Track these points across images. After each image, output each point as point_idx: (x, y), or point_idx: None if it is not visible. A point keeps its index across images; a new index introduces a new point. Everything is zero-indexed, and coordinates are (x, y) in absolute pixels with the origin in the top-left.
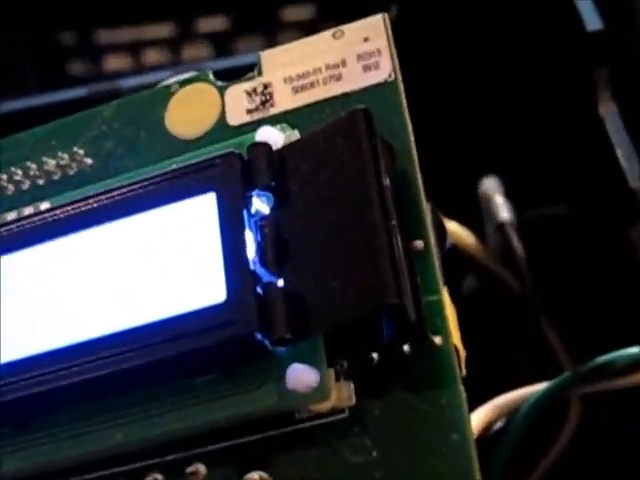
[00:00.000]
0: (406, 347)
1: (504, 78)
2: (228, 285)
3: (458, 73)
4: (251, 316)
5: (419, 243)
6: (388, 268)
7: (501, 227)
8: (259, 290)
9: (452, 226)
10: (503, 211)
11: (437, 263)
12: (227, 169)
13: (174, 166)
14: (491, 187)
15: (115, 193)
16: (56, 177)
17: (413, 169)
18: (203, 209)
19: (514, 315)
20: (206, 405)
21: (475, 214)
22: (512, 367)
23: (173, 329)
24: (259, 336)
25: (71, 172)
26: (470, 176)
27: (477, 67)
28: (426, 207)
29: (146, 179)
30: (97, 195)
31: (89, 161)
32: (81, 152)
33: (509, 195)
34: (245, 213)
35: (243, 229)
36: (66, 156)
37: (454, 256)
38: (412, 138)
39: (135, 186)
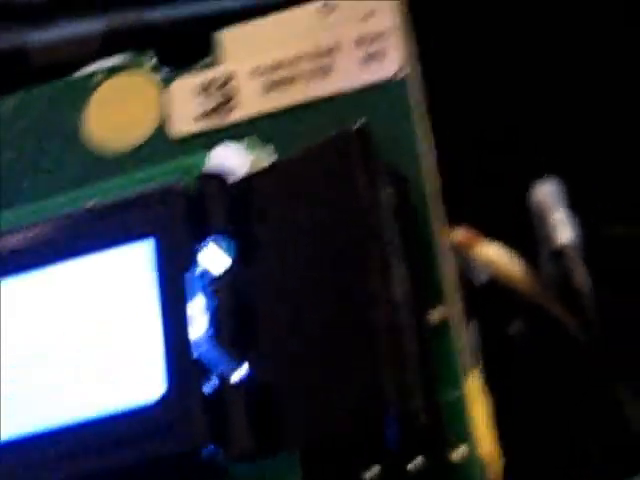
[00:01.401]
0: (417, 460)
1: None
2: (169, 374)
3: (498, 58)
4: (197, 421)
5: (436, 314)
6: (389, 361)
7: (561, 252)
8: (211, 384)
9: (492, 251)
10: (564, 230)
11: (462, 342)
12: (169, 209)
13: (95, 200)
14: (548, 196)
15: (13, 237)
16: None
17: (427, 207)
18: (137, 263)
19: (578, 375)
20: None
21: (525, 233)
22: (576, 454)
23: (91, 436)
24: (209, 449)
25: None
26: (519, 181)
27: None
28: (450, 259)
29: (57, 218)
30: None
31: None
32: None
33: (573, 207)
34: (190, 273)
35: (184, 298)
36: None
37: (495, 292)
38: (431, 161)
39: (42, 227)
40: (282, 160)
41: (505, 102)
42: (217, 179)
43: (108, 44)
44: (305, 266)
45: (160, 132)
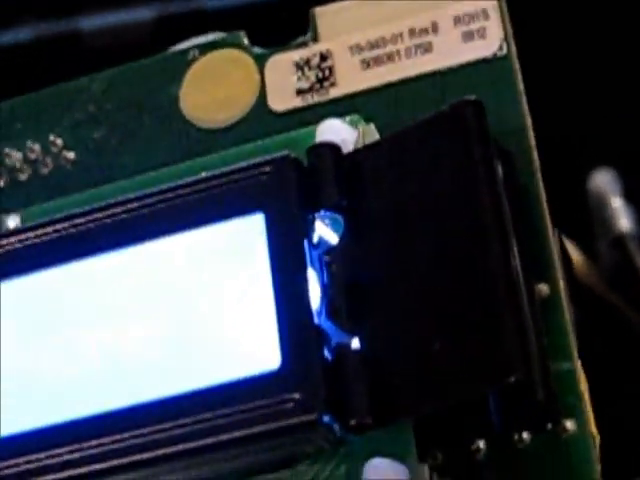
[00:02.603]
0: (525, 435)
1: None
2: (283, 346)
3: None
4: (316, 390)
5: (544, 288)
6: (512, 329)
7: (620, 240)
8: (326, 354)
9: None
10: (622, 218)
11: (568, 316)
12: (279, 180)
13: (204, 174)
14: (606, 184)
15: (116, 210)
16: (23, 177)
17: (535, 183)
18: (246, 236)
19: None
20: None
21: (582, 221)
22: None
23: (205, 405)
24: (327, 419)
25: (45, 170)
26: (577, 168)
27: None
28: (553, 236)
29: (159, 191)
30: (91, 212)
31: (70, 155)
32: (59, 142)
33: (631, 196)
34: (306, 243)
35: (304, 266)
36: (37, 147)
37: None
38: (533, 139)
39: (144, 201)
40: (394, 133)
41: (580, 93)
42: (332, 149)
43: (161, 30)
44: (417, 240)
45: (260, 107)
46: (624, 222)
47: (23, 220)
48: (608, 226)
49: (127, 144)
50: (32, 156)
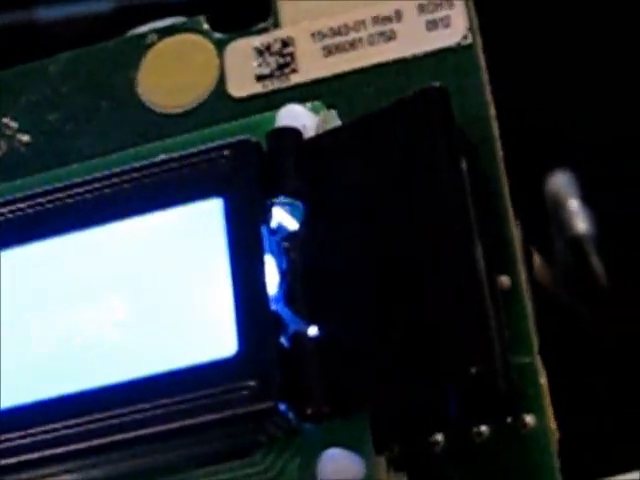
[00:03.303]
0: (484, 428)
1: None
2: (239, 332)
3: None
4: (272, 378)
5: (506, 280)
6: (474, 320)
7: (576, 241)
8: (283, 341)
9: None
10: (579, 219)
11: (530, 309)
12: (239, 165)
13: (162, 156)
14: (563, 186)
15: (72, 192)
16: None
17: (498, 174)
18: (204, 220)
19: (595, 370)
20: None
21: (539, 223)
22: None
23: (158, 391)
24: (282, 407)
25: None
26: (534, 170)
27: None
28: (515, 228)
29: (114, 174)
30: (46, 194)
31: (25, 138)
32: (13, 125)
33: (588, 198)
34: (264, 229)
35: (261, 252)
36: None
37: None
38: (497, 129)
39: (98, 184)
40: (357, 119)
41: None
42: (293, 134)
43: (120, 21)
44: (380, 227)
45: (219, 93)
46: (581, 224)
47: None
48: (565, 227)
49: (83, 128)
50: None
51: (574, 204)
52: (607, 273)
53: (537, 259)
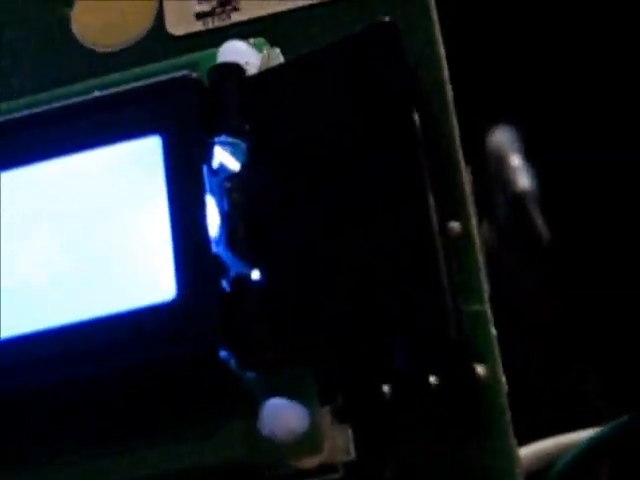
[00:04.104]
0: (432, 378)
1: None
2: (179, 276)
3: None
4: (212, 323)
5: (456, 226)
6: (424, 261)
7: (518, 199)
8: (225, 285)
9: None
10: (521, 176)
11: (481, 257)
12: (180, 101)
13: (97, 93)
14: (506, 142)
15: (4, 129)
16: None
17: (448, 115)
18: (142, 159)
19: (532, 333)
20: (135, 455)
21: (480, 178)
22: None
23: (92, 336)
24: (223, 354)
25: None
26: (475, 124)
27: None
28: (465, 173)
29: (49, 111)
30: None
31: None
32: None
33: (530, 154)
34: (205, 168)
35: (202, 192)
36: None
37: None
38: (447, 71)
39: (33, 121)
40: (302, 55)
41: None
42: (235, 70)
43: None
44: (325, 168)
45: (157, 31)
46: (523, 180)
47: None
48: (506, 184)
49: (14, 65)
50: None
51: (516, 160)
52: (549, 230)
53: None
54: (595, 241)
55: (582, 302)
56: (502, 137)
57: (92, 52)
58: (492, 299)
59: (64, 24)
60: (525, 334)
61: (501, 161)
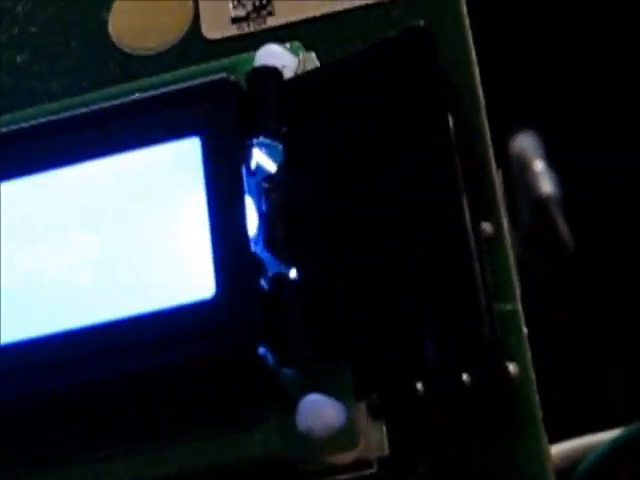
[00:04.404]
0: (465, 377)
1: None
2: (218, 274)
3: None
4: (251, 320)
5: (488, 227)
6: (459, 260)
7: (541, 204)
8: (263, 284)
9: None
10: (544, 181)
11: (512, 257)
12: (218, 103)
13: (136, 95)
14: (528, 147)
15: (42, 132)
16: None
17: (480, 120)
18: (182, 160)
19: (555, 336)
20: (172, 449)
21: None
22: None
23: (133, 333)
24: (262, 351)
25: None
26: (500, 129)
27: None
28: (497, 176)
29: (93, 112)
30: (14, 134)
31: None
32: None
33: (553, 159)
34: (243, 169)
35: (241, 193)
36: None
37: None
38: (478, 75)
39: (78, 122)
40: (339, 59)
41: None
42: (273, 73)
43: None
44: (362, 171)
45: (193, 35)
46: (546, 185)
47: None
48: (530, 189)
49: (52, 69)
50: None
51: (539, 165)
52: (572, 235)
53: None
54: (617, 242)
55: (606, 303)
56: (525, 142)
57: (129, 55)
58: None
59: (102, 27)
60: (550, 336)
61: (524, 166)
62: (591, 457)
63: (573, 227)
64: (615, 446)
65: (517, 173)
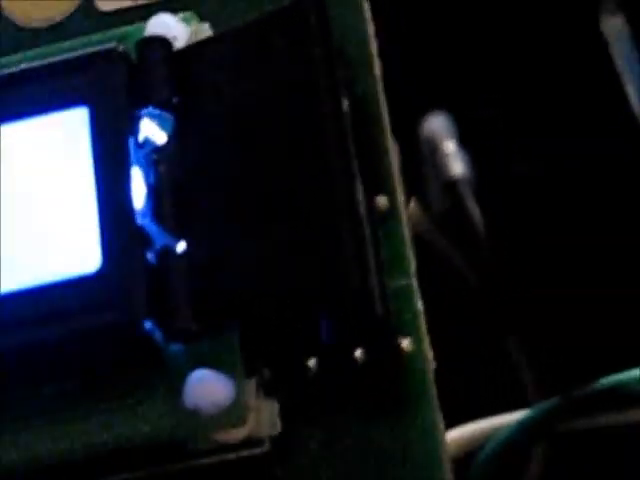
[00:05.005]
0: (358, 352)
1: None
2: (104, 247)
3: None
4: (137, 295)
5: (383, 200)
6: (349, 236)
7: (452, 185)
8: (150, 257)
9: None
10: (456, 163)
11: (407, 231)
12: (106, 73)
13: (22, 65)
14: (439, 128)
15: None
16: None
17: (376, 92)
18: (69, 130)
19: (466, 317)
20: (56, 427)
21: (413, 164)
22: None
23: (17, 307)
24: (148, 325)
25: None
26: (410, 111)
27: None
28: (393, 148)
29: None
30: None
31: None
32: None
33: (465, 140)
34: (131, 140)
35: (127, 164)
36: None
37: None
38: (375, 47)
39: None
40: (231, 29)
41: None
42: (163, 44)
43: None
44: (252, 143)
45: (85, 7)
46: (457, 166)
47: None
48: (440, 171)
49: None
50: None
51: (450, 146)
52: (483, 217)
53: (412, 205)
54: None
55: (514, 284)
56: (436, 123)
57: (21, 28)
58: (423, 278)
59: None
60: (456, 314)
61: (435, 148)
62: (497, 439)
63: (485, 209)
64: (524, 427)
65: (428, 155)
